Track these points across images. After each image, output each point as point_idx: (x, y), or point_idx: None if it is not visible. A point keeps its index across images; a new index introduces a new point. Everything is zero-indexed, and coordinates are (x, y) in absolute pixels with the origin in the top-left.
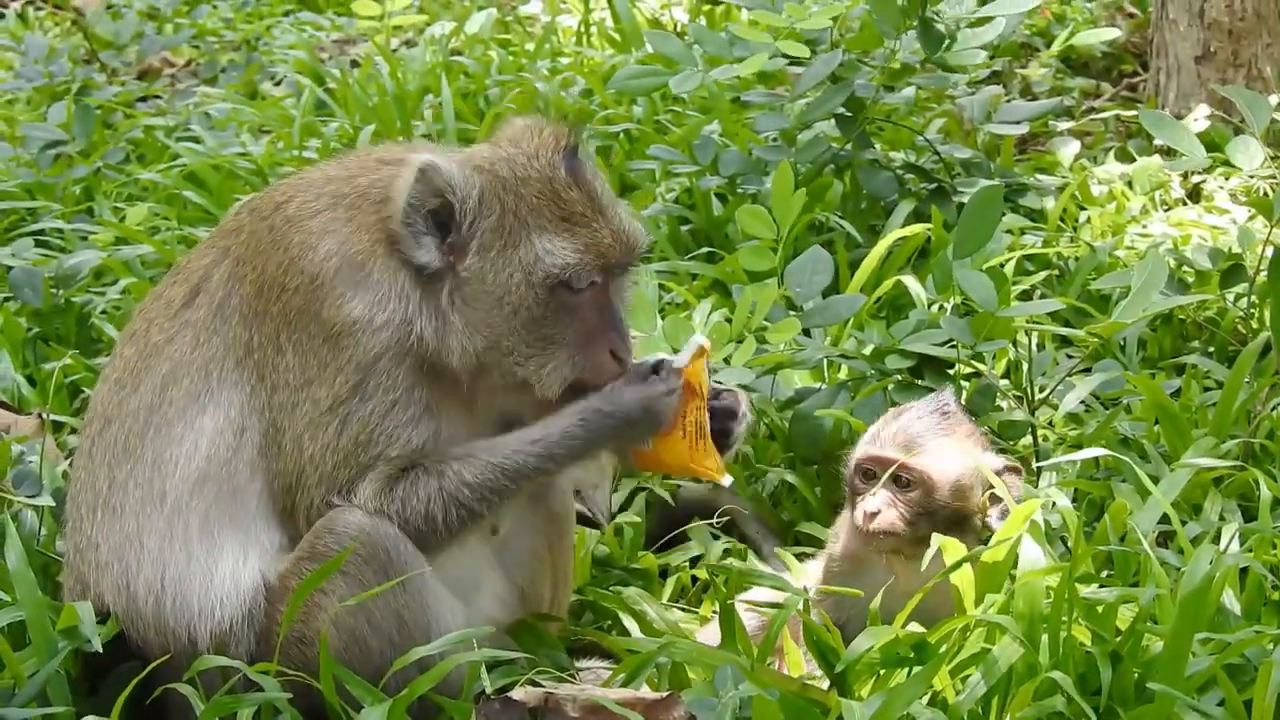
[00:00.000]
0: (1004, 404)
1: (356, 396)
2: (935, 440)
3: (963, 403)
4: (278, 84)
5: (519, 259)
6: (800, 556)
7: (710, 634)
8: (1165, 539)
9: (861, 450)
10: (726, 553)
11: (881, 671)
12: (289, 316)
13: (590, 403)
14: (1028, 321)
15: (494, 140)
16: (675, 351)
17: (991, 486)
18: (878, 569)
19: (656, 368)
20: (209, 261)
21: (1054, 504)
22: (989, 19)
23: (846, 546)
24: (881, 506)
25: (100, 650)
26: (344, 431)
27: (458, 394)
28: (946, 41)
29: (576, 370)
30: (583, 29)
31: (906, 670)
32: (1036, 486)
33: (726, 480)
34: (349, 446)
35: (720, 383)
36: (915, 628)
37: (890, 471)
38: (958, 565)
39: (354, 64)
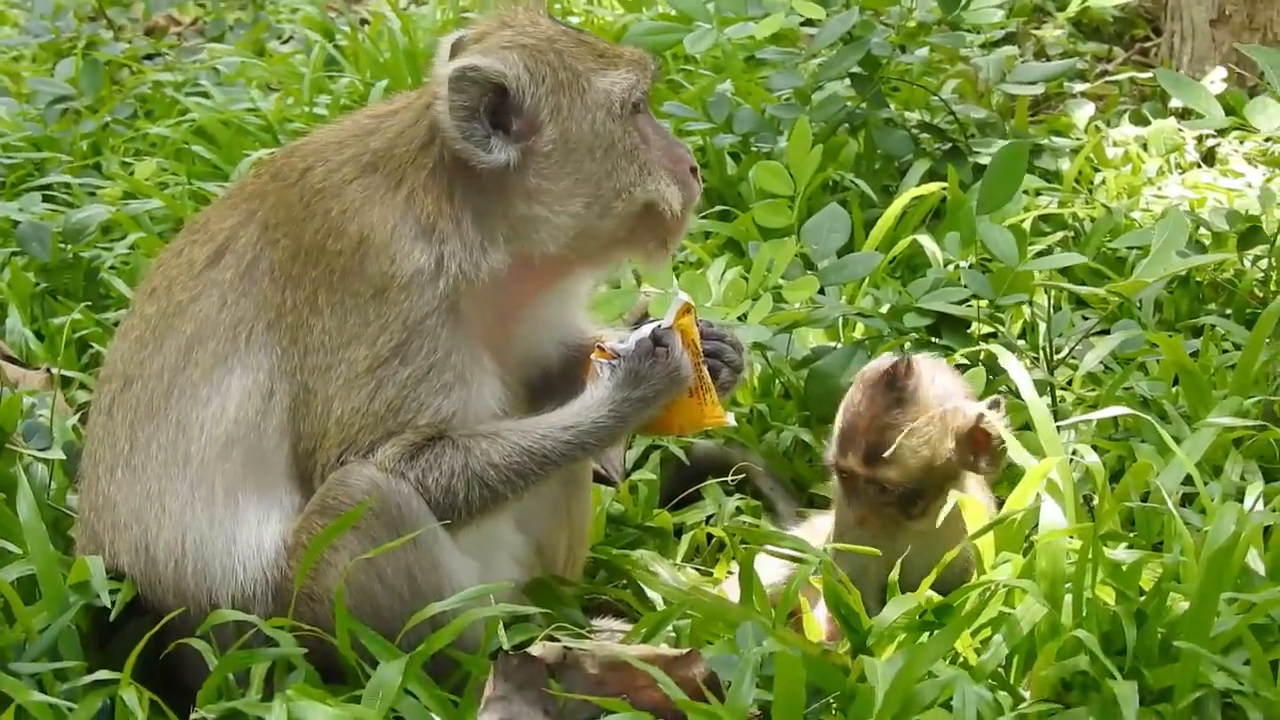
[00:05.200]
0: (1022, 364)
1: (397, 358)
2: (895, 437)
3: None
4: (285, 43)
5: (593, 101)
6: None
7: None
8: (1186, 500)
9: (833, 457)
10: (739, 510)
11: (903, 635)
12: (330, 279)
13: (617, 391)
14: (1047, 277)
15: (477, 36)
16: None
17: (978, 438)
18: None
19: (657, 338)
20: (234, 223)
21: (1078, 461)
22: None
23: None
24: (867, 514)
25: (110, 607)
26: (377, 395)
27: (495, 346)
28: (964, 1)
29: (682, 189)
30: None
31: (928, 633)
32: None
33: (730, 421)
34: (380, 410)
35: (710, 325)
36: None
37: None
38: (980, 534)
39: (363, 22)
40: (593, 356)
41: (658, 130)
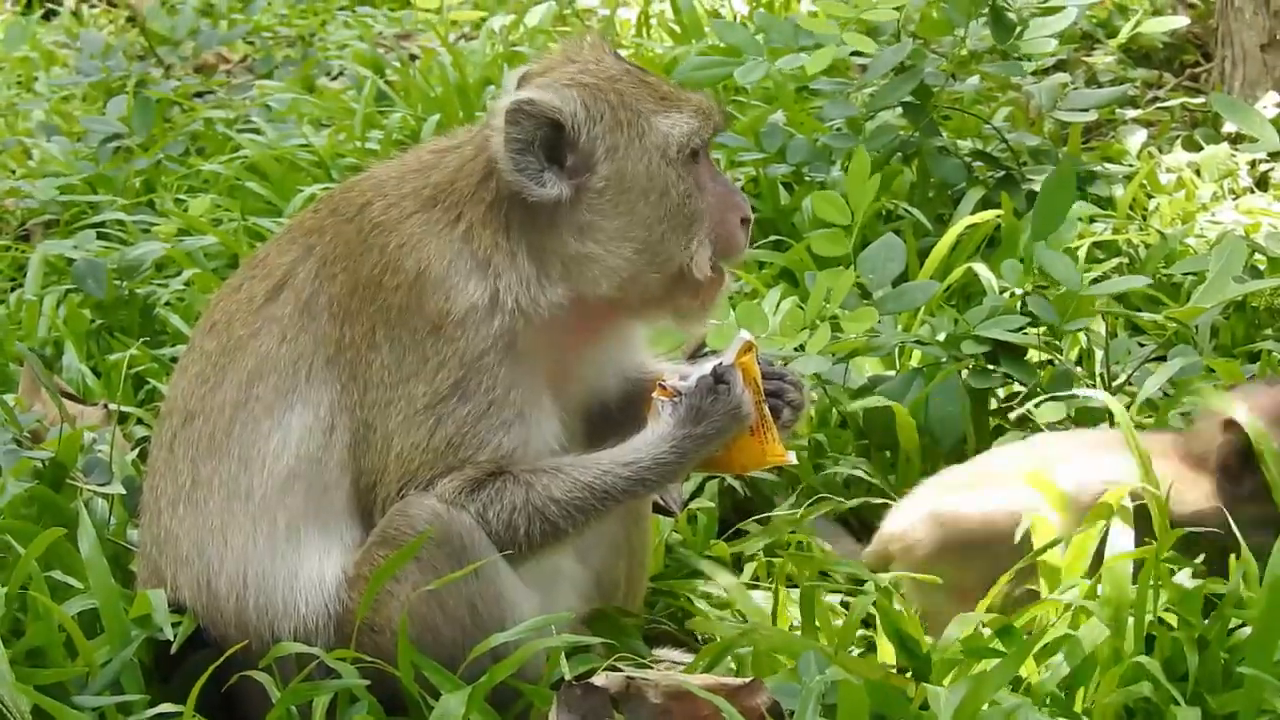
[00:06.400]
0: (1079, 391)
1: (456, 395)
2: None
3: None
4: (334, 79)
5: (650, 143)
6: None
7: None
8: None
9: None
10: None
11: (964, 659)
12: (387, 315)
13: (678, 428)
14: (1107, 303)
15: (541, 70)
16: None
17: None
18: None
19: (718, 375)
20: (292, 259)
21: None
22: (1059, 7)
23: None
24: None
25: (172, 640)
26: (437, 431)
27: (554, 383)
28: (1018, 29)
29: (716, 245)
30: (642, 21)
31: (991, 657)
32: None
33: (792, 459)
34: (439, 446)
35: (770, 364)
36: None
37: None
38: (1047, 548)
39: (412, 58)
40: (654, 395)
41: (716, 179)
